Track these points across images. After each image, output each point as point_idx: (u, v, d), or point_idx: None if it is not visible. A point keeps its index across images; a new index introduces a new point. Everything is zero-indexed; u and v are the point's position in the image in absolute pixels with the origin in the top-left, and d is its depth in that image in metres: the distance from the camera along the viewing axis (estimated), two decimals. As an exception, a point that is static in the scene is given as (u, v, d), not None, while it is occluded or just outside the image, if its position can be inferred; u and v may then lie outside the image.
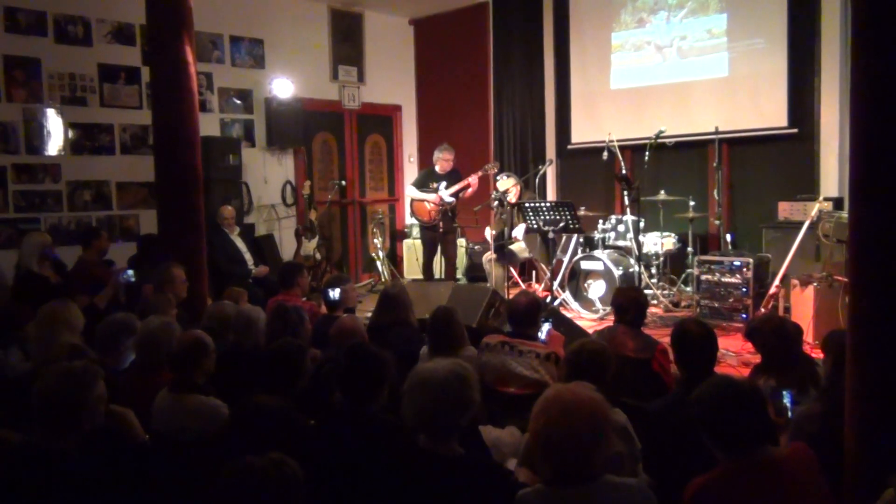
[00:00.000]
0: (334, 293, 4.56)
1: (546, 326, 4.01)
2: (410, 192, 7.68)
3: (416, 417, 2.28)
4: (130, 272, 5.00)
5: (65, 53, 7.09)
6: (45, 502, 2.23)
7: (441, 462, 2.25)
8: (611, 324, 4.30)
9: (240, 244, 7.10)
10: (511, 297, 5.46)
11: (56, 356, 3.28)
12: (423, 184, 7.54)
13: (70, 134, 7.17)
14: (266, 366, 3.03)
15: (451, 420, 2.27)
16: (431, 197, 7.38)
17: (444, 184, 7.36)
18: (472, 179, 7.29)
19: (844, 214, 5.72)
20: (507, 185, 7.08)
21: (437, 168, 7.51)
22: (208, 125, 7.65)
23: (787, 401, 2.85)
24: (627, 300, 3.91)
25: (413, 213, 7.78)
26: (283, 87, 8.44)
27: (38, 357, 3.62)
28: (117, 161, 7.46)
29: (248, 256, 7.08)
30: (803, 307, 5.40)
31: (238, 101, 8.40)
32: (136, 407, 3.00)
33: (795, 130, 6.86)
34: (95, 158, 7.33)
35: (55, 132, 7.08)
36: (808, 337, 5.11)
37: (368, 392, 2.65)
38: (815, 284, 5.33)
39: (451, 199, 7.34)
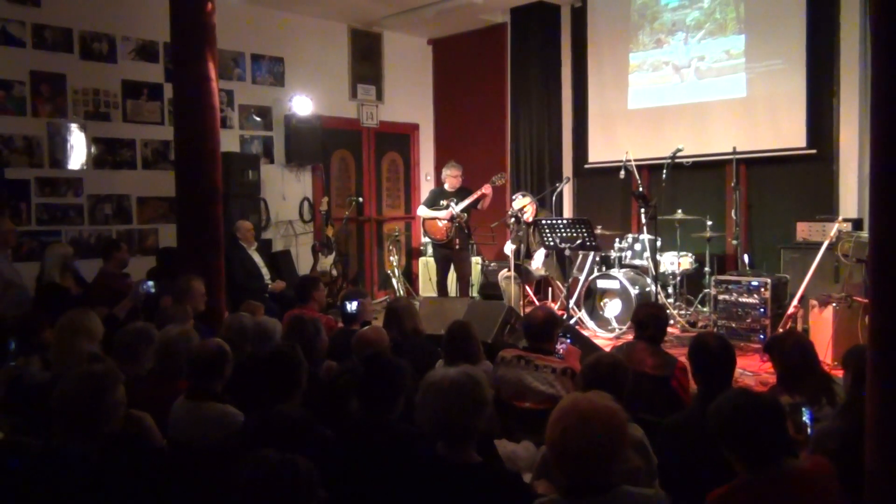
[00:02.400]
0: (352, 306, 4.58)
1: (566, 342, 4.01)
2: (422, 211, 7.69)
3: (432, 423, 2.28)
4: (150, 283, 5.04)
5: (89, 70, 7.22)
6: (63, 505, 2.25)
7: (460, 470, 2.24)
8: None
9: (257, 259, 7.14)
10: (527, 308, 5.46)
11: (76, 364, 3.31)
12: (433, 202, 7.57)
13: (93, 149, 7.28)
14: (262, 371, 3.01)
15: (467, 422, 2.26)
16: (443, 214, 7.40)
17: (454, 201, 7.38)
18: (486, 189, 7.30)
19: (864, 234, 5.69)
20: (523, 203, 7.09)
21: (446, 186, 7.54)
22: (228, 141, 7.74)
23: (806, 418, 2.82)
24: (647, 316, 3.88)
25: (426, 232, 7.79)
26: (302, 105, 8.53)
27: (58, 365, 3.66)
28: (138, 176, 7.56)
29: (265, 271, 7.12)
30: (822, 328, 5.35)
31: (258, 119, 8.50)
32: (154, 414, 3.02)
33: (814, 151, 6.84)
34: (117, 173, 7.43)
35: (78, 147, 7.19)
36: (827, 358, 5.07)
37: (386, 401, 2.66)
38: (833, 305, 5.29)
39: (464, 215, 7.36)
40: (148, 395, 3.23)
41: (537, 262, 7.09)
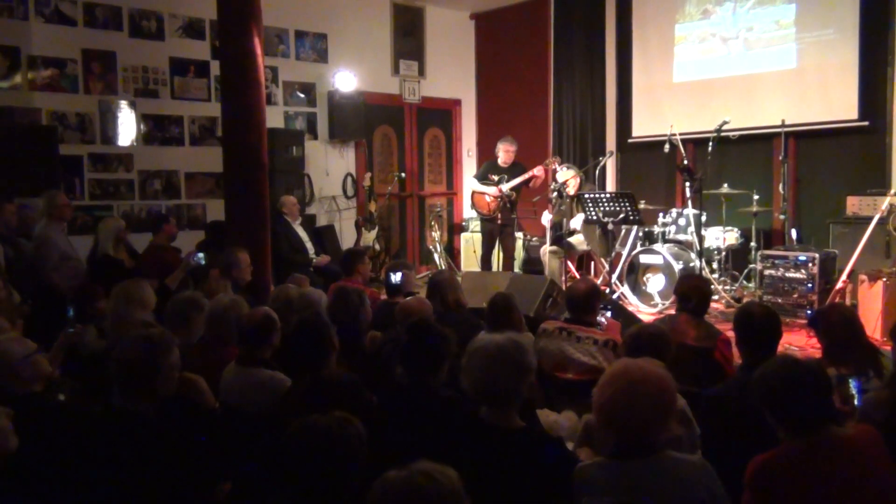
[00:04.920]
0: (396, 277, 4.63)
1: (606, 314, 4.01)
2: (472, 183, 7.71)
3: (476, 386, 2.31)
4: (201, 255, 5.17)
5: (138, 47, 7.37)
6: (122, 462, 2.35)
7: (503, 434, 2.28)
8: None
9: (301, 233, 7.24)
10: (568, 283, 5.46)
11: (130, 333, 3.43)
12: (484, 175, 7.57)
13: (142, 125, 7.45)
14: (294, 342, 3.06)
15: (511, 386, 2.29)
16: (492, 190, 7.40)
17: (504, 177, 7.37)
18: (538, 171, 7.27)
19: (918, 207, 5.56)
20: (567, 176, 7.05)
21: (499, 160, 7.53)
22: (273, 118, 7.82)
23: (853, 389, 2.79)
24: (690, 288, 3.87)
25: (473, 205, 7.82)
26: (345, 81, 8.58)
27: (113, 333, 3.78)
28: (186, 152, 7.71)
29: (309, 245, 7.21)
30: (871, 303, 5.27)
31: (301, 95, 8.58)
32: (206, 380, 3.12)
33: (866, 123, 6.67)
34: (165, 149, 7.60)
35: (128, 123, 7.36)
36: (877, 333, 4.99)
37: (429, 367, 2.70)
38: (884, 279, 5.20)
39: (512, 193, 7.35)
40: (199, 362, 3.34)
41: (576, 224, 7.02)
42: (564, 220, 7.08)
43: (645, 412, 1.99)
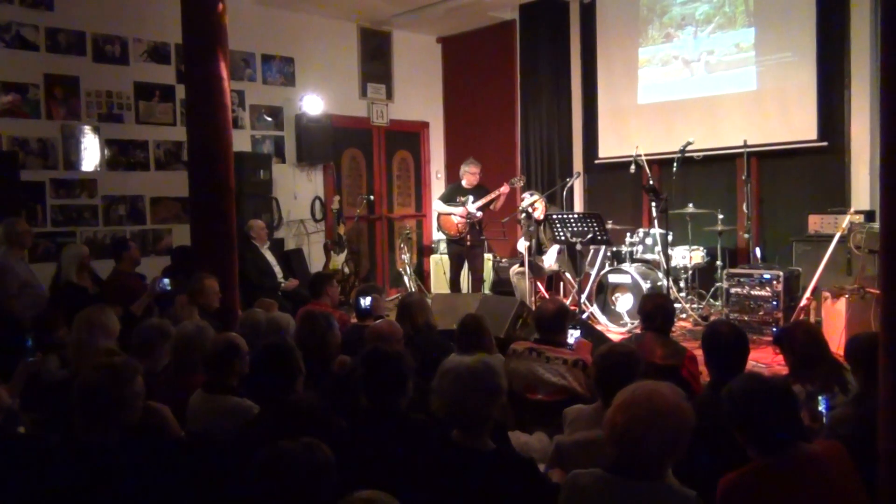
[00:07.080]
0: (366, 301, 4.61)
1: (575, 334, 4.02)
2: (437, 206, 7.74)
3: (447, 408, 2.30)
4: (166, 281, 5.09)
5: (102, 72, 7.30)
6: (85, 495, 2.28)
7: (475, 456, 2.26)
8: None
9: (270, 258, 7.19)
10: (538, 303, 5.48)
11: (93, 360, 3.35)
12: (450, 198, 7.60)
13: (106, 150, 7.35)
14: (260, 367, 3.02)
15: (483, 408, 2.28)
16: (459, 210, 7.43)
17: (470, 198, 7.40)
18: (503, 189, 7.32)
19: (876, 225, 5.67)
20: (531, 201, 7.10)
21: (463, 182, 7.57)
22: (240, 141, 7.78)
23: (822, 406, 2.83)
24: (654, 307, 3.90)
25: (440, 227, 7.83)
26: (312, 104, 8.58)
27: (76, 362, 3.70)
28: (151, 177, 7.63)
29: (277, 269, 7.16)
30: (835, 319, 5.35)
31: (269, 118, 8.56)
32: (171, 408, 3.05)
33: (825, 143, 6.81)
34: (130, 174, 7.51)
35: (92, 148, 7.27)
36: (841, 349, 5.04)
37: (393, 392, 2.68)
38: (846, 297, 5.28)
39: (479, 213, 7.38)
40: (165, 390, 3.28)
41: (550, 260, 7.09)
42: (533, 241, 7.12)
43: (657, 444, 1.97)
